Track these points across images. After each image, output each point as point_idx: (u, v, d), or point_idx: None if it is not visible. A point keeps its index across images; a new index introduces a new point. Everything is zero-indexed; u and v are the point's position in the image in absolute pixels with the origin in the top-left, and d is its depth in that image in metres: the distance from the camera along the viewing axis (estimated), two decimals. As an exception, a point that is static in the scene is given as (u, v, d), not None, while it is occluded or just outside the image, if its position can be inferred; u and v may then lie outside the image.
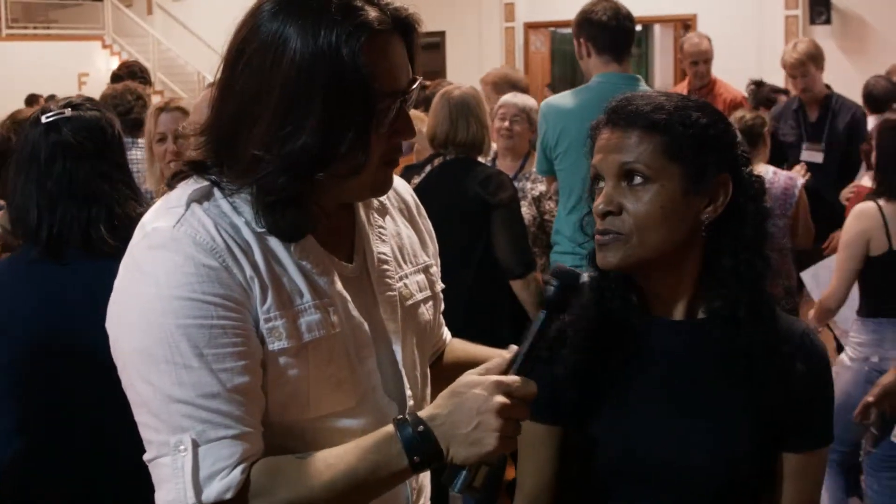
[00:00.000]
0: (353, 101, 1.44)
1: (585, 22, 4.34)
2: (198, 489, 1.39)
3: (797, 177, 4.76)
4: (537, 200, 4.81)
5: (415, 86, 1.53)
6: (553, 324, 1.57)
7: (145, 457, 1.46)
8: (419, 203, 1.86)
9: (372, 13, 1.46)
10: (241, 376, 1.43)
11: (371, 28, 1.45)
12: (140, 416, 1.46)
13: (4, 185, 3.16)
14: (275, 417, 1.50)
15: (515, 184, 4.82)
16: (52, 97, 8.99)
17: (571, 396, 1.73)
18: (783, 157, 6.05)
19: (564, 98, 4.41)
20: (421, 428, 1.44)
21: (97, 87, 16.58)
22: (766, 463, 1.73)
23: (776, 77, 7.74)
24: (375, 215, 1.70)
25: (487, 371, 1.49)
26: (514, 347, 1.54)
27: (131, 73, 6.09)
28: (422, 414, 1.47)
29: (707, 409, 1.69)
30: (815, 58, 5.90)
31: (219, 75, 1.53)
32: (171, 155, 3.69)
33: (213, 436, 1.40)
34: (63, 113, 2.39)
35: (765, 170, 4.67)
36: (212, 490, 1.40)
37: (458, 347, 1.98)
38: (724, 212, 1.68)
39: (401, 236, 1.75)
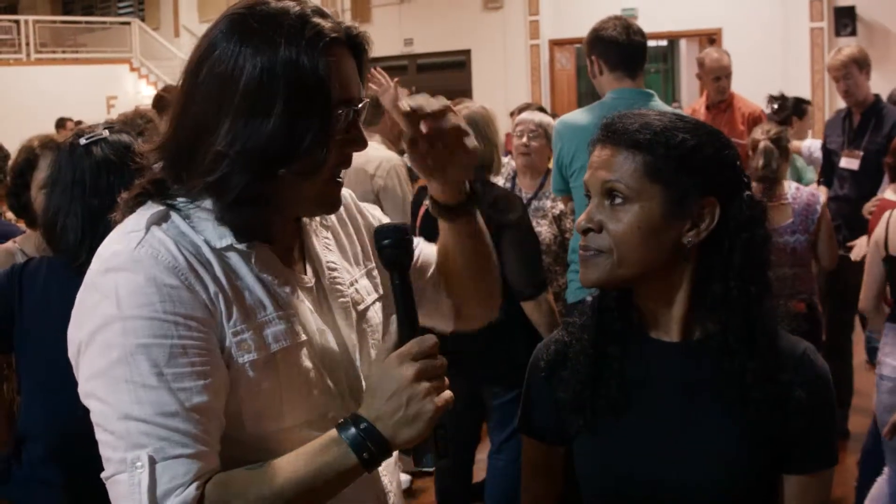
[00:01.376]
0: (314, 98, 1.49)
1: (596, 40, 4.32)
2: None
3: (819, 193, 4.71)
4: (558, 219, 4.78)
5: (362, 104, 1.57)
6: (405, 278, 1.55)
7: (103, 474, 1.46)
8: (356, 199, 1.88)
9: (327, 24, 1.52)
10: (200, 395, 1.44)
11: (328, 35, 1.50)
12: (99, 434, 1.46)
13: (26, 206, 3.25)
14: (251, 429, 1.52)
15: (535, 202, 4.81)
16: (79, 123, 9.08)
17: (574, 419, 1.75)
18: (832, 166, 6.01)
19: (579, 115, 4.38)
20: (364, 425, 1.46)
21: (125, 109, 16.62)
22: (763, 485, 1.71)
23: (802, 89, 7.71)
24: (318, 227, 1.74)
25: (386, 352, 1.50)
26: (393, 318, 1.54)
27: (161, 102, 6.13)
28: (360, 411, 1.49)
29: (702, 431, 1.68)
30: (858, 61, 5.85)
31: (179, 90, 1.56)
32: None
33: (170, 453, 1.41)
34: (101, 134, 2.51)
35: (787, 185, 4.63)
36: None
37: (427, 251, 1.93)
38: (714, 235, 1.66)
39: (342, 241, 1.78)
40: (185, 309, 1.45)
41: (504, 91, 15.10)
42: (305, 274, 1.66)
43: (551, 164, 5.24)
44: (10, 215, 4.88)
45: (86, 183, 2.45)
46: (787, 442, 1.69)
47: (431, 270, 1.89)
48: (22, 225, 3.80)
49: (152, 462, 1.40)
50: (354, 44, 1.57)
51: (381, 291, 1.81)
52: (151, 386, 1.42)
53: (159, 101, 6.00)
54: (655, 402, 1.71)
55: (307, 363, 1.58)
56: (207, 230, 1.54)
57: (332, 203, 1.63)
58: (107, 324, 1.44)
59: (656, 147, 1.64)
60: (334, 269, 1.71)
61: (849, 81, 5.86)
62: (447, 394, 1.48)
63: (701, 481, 1.66)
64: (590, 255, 1.68)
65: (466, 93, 14.44)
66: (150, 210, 1.56)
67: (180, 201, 1.56)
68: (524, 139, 4.93)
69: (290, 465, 1.46)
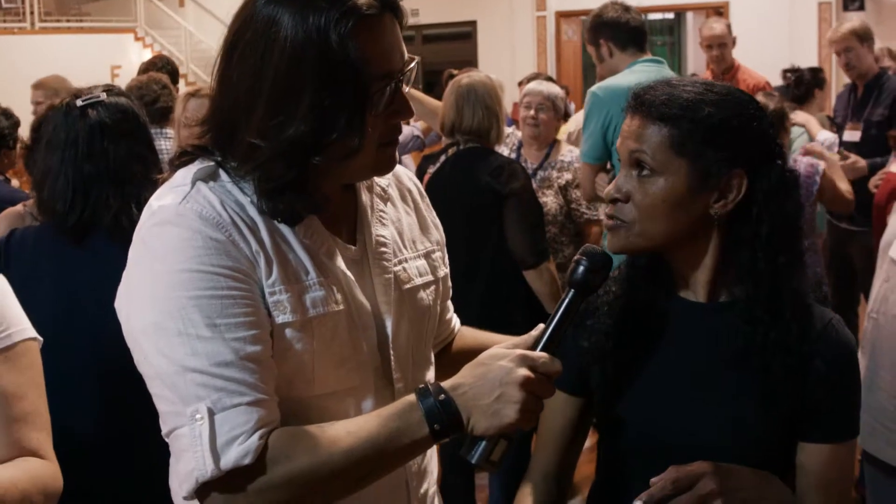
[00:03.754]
0: (344, 85, 1.46)
1: (601, 24, 4.53)
2: (216, 456, 1.40)
3: (818, 163, 4.68)
4: (563, 189, 4.78)
5: (411, 65, 1.55)
6: (580, 305, 1.58)
7: (163, 431, 1.48)
8: (423, 191, 1.87)
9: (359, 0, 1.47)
10: (253, 345, 1.45)
11: (359, 12, 1.46)
12: (155, 389, 1.48)
13: (32, 168, 3.22)
14: (280, 392, 1.50)
15: (541, 173, 4.81)
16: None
17: (597, 370, 1.78)
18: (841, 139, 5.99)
19: (619, 79, 4.40)
20: (442, 396, 1.45)
21: (130, 79, 16.61)
22: (780, 451, 1.72)
23: (810, 64, 7.65)
24: (377, 200, 1.73)
25: (514, 346, 1.50)
26: (541, 326, 1.54)
27: (155, 66, 6.10)
28: (445, 384, 1.48)
29: (721, 393, 1.69)
30: (859, 34, 5.83)
31: (216, 67, 1.55)
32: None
33: (228, 403, 1.41)
34: (98, 97, 2.46)
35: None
36: (230, 456, 1.40)
37: (468, 335, 1.99)
38: (743, 204, 1.66)
39: (401, 222, 1.76)
40: (231, 262, 1.46)
41: (510, 62, 15.04)
42: (354, 244, 1.65)
43: (561, 135, 5.23)
44: (15, 182, 4.90)
45: (78, 146, 2.40)
46: (808, 412, 1.69)
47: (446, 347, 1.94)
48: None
49: (211, 413, 1.41)
50: (394, 5, 1.53)
51: (439, 274, 1.81)
52: (205, 337, 1.43)
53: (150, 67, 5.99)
54: (677, 359, 1.73)
55: (342, 334, 1.57)
56: (253, 193, 1.53)
57: (384, 167, 1.62)
58: (155, 278, 1.46)
59: (682, 121, 1.64)
60: (383, 244, 1.69)
61: (849, 55, 5.86)
62: (533, 417, 1.47)
63: (714, 442, 1.67)
64: (614, 224, 1.69)
65: (472, 64, 14.35)
66: (199, 165, 1.56)
67: (229, 165, 1.55)
68: (532, 111, 4.92)
69: (363, 425, 1.46)
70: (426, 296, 1.76)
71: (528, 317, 3.96)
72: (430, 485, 1.79)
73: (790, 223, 1.69)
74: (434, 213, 1.88)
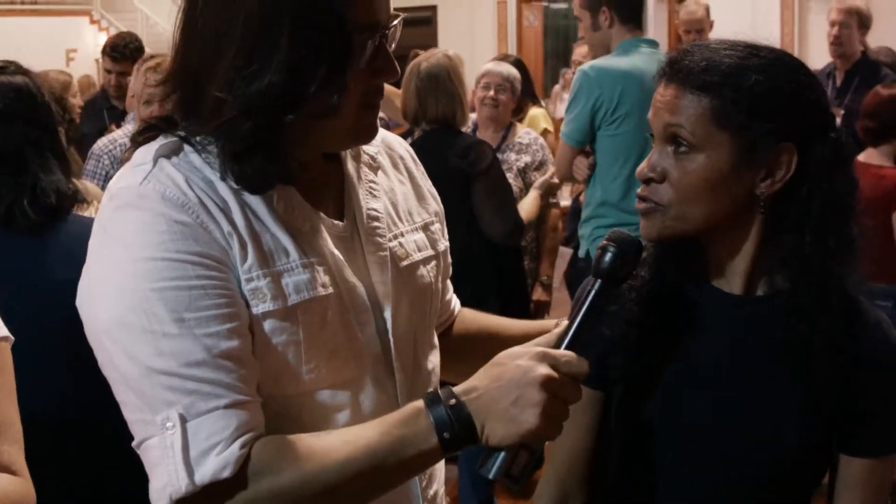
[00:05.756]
0: (326, 33, 1.30)
1: None
2: (190, 469, 1.25)
3: None
4: (523, 172, 4.75)
5: (396, 21, 1.39)
6: (609, 296, 1.43)
7: (133, 443, 1.32)
8: (416, 158, 1.71)
9: None
10: (229, 340, 1.29)
11: None
12: (121, 395, 1.32)
13: None
14: (265, 390, 1.35)
15: (499, 155, 4.75)
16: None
17: (619, 362, 1.60)
18: None
19: (614, 61, 4.31)
20: (453, 401, 1.29)
21: (85, 63, 16.47)
22: (816, 460, 1.59)
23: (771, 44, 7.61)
24: (366, 170, 1.56)
25: (536, 345, 1.34)
26: (564, 321, 1.39)
27: (122, 41, 5.93)
28: (457, 388, 1.32)
29: (758, 393, 1.55)
30: (862, 15, 5.75)
31: (180, 12, 1.39)
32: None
33: (202, 408, 1.26)
34: None
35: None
36: (206, 469, 1.25)
37: (469, 317, 1.83)
38: (791, 182, 1.50)
39: (394, 192, 1.60)
40: (200, 247, 1.30)
41: (471, 48, 14.91)
42: (342, 220, 1.49)
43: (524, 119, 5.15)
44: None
45: None
46: (851, 419, 1.55)
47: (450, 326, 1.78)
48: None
49: (183, 420, 1.26)
50: None
51: (439, 248, 1.65)
52: (172, 334, 1.27)
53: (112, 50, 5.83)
54: (706, 355, 1.57)
55: (334, 320, 1.41)
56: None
57: (365, 133, 1.45)
58: (116, 268, 1.31)
59: (725, 90, 1.46)
60: (375, 218, 1.52)
61: (844, 31, 5.73)
62: (557, 424, 1.30)
63: (747, 444, 1.54)
64: (648, 206, 1.52)
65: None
66: (162, 141, 1.40)
67: (196, 138, 1.39)
68: (491, 91, 4.85)
69: (361, 434, 1.31)
70: (426, 272, 1.59)
71: (500, 296, 4.04)
72: (440, 485, 1.63)
73: (843, 203, 1.51)
74: (430, 182, 1.71)
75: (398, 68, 1.43)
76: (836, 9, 5.83)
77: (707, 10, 6.56)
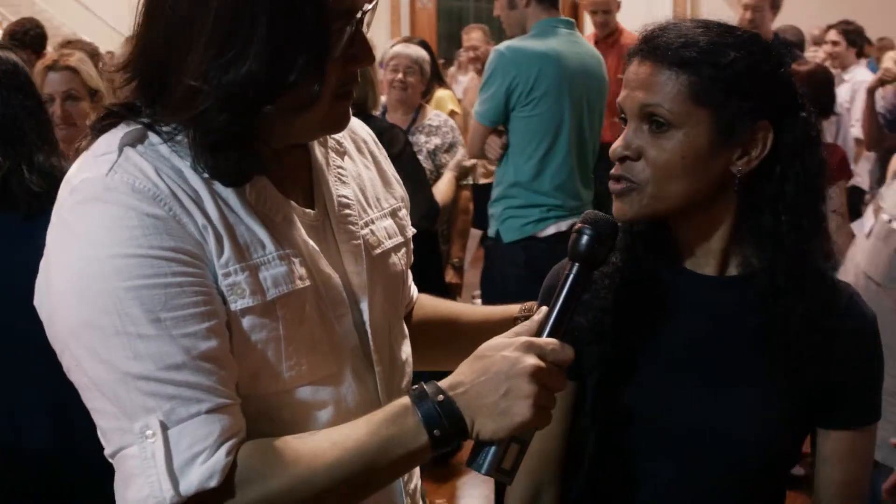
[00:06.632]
0: (306, 19, 1.24)
1: None
2: (174, 479, 1.19)
3: None
4: (433, 154, 4.77)
5: (371, 5, 1.33)
6: (588, 280, 1.40)
7: (106, 451, 1.25)
8: (378, 142, 1.67)
9: None
10: (208, 340, 1.22)
11: None
12: (92, 402, 1.25)
13: None
14: (244, 389, 1.29)
15: (409, 137, 4.75)
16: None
17: (593, 350, 1.58)
18: None
19: (530, 42, 4.28)
20: (441, 397, 1.26)
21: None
22: (796, 438, 1.59)
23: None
24: (333, 155, 1.51)
25: (517, 334, 1.31)
26: (543, 309, 1.36)
27: (22, 28, 5.72)
28: (442, 383, 1.29)
29: (734, 374, 1.54)
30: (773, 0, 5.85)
31: None
32: (59, 119, 3.30)
33: (184, 414, 1.20)
34: None
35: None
36: (192, 478, 1.19)
37: (427, 304, 1.79)
38: (765, 162, 1.49)
39: (361, 177, 1.55)
40: (174, 242, 1.23)
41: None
42: (313, 209, 1.44)
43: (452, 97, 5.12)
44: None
45: None
46: (831, 394, 1.55)
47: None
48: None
49: (164, 428, 1.19)
50: None
51: (408, 234, 1.61)
52: (149, 336, 1.19)
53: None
54: (681, 339, 1.56)
55: (312, 314, 1.36)
56: (191, 156, 1.30)
57: (338, 123, 1.40)
58: (83, 267, 1.21)
59: (703, 66, 1.45)
60: (346, 206, 1.47)
61: (758, 14, 5.83)
62: (547, 414, 1.28)
63: (732, 430, 1.53)
64: (622, 186, 1.49)
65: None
66: (125, 129, 1.31)
67: (161, 125, 1.31)
68: (400, 74, 4.85)
69: (349, 434, 1.26)
70: (398, 260, 1.56)
71: (415, 280, 3.97)
72: (418, 479, 1.62)
73: (814, 183, 1.51)
74: (392, 166, 1.67)
75: (374, 54, 1.39)
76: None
77: None
